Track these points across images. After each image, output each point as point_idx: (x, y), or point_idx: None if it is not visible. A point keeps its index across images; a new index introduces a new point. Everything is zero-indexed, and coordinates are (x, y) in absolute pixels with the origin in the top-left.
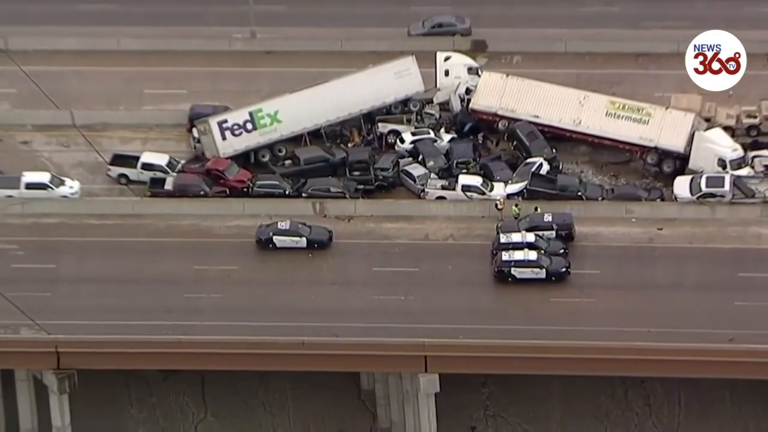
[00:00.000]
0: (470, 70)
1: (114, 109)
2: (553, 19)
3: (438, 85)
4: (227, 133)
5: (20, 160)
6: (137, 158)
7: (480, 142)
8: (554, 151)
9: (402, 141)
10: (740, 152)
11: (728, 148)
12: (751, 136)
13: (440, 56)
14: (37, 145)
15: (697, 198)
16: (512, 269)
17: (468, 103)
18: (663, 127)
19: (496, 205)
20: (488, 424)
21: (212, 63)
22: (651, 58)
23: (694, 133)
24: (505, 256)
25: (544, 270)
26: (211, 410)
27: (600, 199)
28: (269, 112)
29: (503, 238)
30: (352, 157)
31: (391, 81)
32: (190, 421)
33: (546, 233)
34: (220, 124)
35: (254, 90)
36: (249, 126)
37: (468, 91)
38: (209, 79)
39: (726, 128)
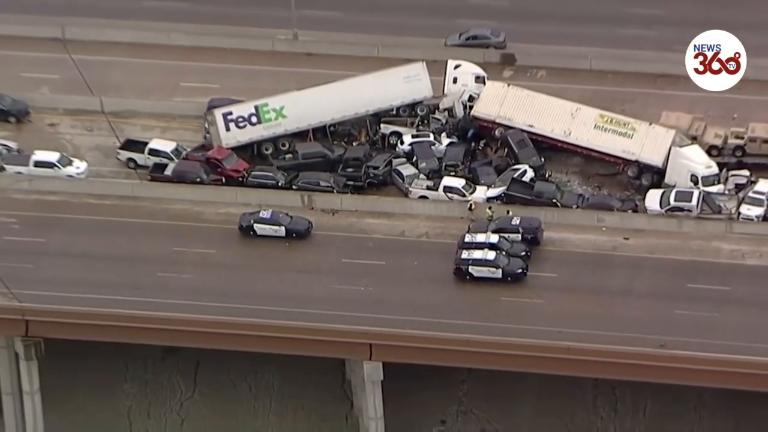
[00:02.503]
0: (477, 78)
1: (144, 98)
2: (591, 39)
3: (445, 92)
4: (231, 125)
5: (43, 140)
6: (147, 144)
7: (480, 148)
8: (542, 159)
9: (402, 142)
10: (714, 170)
11: (701, 164)
12: (736, 156)
13: (451, 64)
14: (63, 127)
15: (666, 211)
16: (470, 267)
17: (470, 110)
18: (645, 142)
19: (470, 207)
20: (458, 419)
21: (254, 61)
22: (669, 79)
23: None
24: (465, 254)
25: (500, 270)
26: (199, 390)
27: (575, 207)
28: (275, 107)
29: (468, 238)
30: (347, 155)
31: (400, 85)
32: (177, 398)
33: (512, 236)
34: (225, 115)
35: (286, 89)
36: (254, 119)
37: (471, 98)
38: (246, 76)
39: (712, 147)
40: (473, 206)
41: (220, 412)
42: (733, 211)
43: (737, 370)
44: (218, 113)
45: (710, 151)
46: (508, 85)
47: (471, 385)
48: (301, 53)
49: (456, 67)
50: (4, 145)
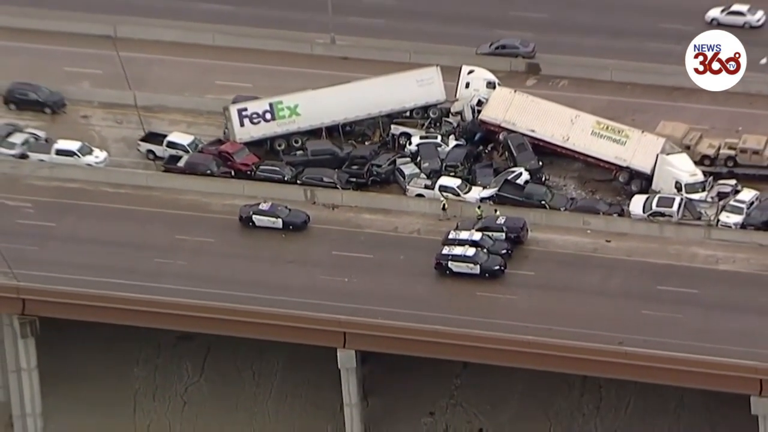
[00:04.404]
0: (489, 84)
1: (178, 94)
2: (622, 51)
3: (457, 96)
4: (245, 121)
5: (73, 131)
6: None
7: (487, 151)
8: (540, 163)
9: (410, 143)
10: (699, 177)
11: (686, 172)
12: (727, 167)
13: (465, 69)
14: (95, 119)
15: (648, 216)
16: (449, 263)
17: (479, 114)
18: (636, 149)
19: (443, 206)
20: (447, 411)
21: (290, 63)
22: (684, 92)
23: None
24: (445, 250)
25: (478, 266)
26: (206, 375)
27: (563, 209)
28: (289, 105)
29: (452, 234)
30: (354, 153)
31: (413, 88)
32: (183, 383)
33: (496, 234)
34: (239, 111)
35: (313, 89)
36: (268, 116)
37: (480, 102)
38: (281, 76)
39: (705, 157)
40: (446, 205)
41: (222, 398)
42: (713, 218)
43: (697, 370)
44: (233, 109)
45: (703, 160)
46: (515, 91)
47: (464, 379)
48: (336, 57)
49: (469, 72)
50: (33, 134)
